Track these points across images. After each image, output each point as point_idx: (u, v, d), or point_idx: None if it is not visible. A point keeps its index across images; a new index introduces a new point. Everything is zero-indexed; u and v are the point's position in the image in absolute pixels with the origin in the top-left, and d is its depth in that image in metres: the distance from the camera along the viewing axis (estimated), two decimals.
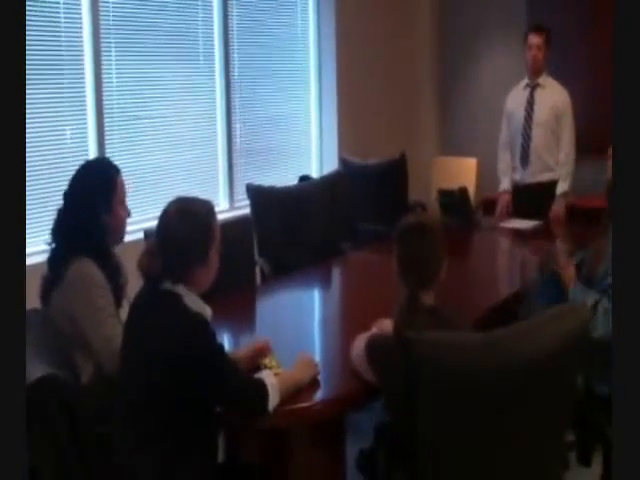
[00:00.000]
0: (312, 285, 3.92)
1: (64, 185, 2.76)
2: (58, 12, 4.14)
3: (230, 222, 4.00)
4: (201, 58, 5.12)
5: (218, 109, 5.25)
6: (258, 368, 2.43)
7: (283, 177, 5.58)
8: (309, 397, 2.36)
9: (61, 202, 2.74)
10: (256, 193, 4.46)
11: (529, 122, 5.12)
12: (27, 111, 3.70)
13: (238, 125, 5.40)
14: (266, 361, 2.48)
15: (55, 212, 2.74)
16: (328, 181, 5.03)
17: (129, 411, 2.23)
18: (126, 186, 2.83)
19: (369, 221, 5.11)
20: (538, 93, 5.13)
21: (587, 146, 5.29)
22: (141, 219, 4.03)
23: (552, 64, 5.22)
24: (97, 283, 2.63)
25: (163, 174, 4.83)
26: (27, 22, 3.76)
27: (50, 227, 2.74)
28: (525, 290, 3.31)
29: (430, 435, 2.03)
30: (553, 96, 5.08)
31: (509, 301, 3.32)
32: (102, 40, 4.37)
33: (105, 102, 4.41)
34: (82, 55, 4.29)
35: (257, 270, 4.14)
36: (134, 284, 2.46)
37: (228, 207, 5.30)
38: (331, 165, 6.03)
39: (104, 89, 4.40)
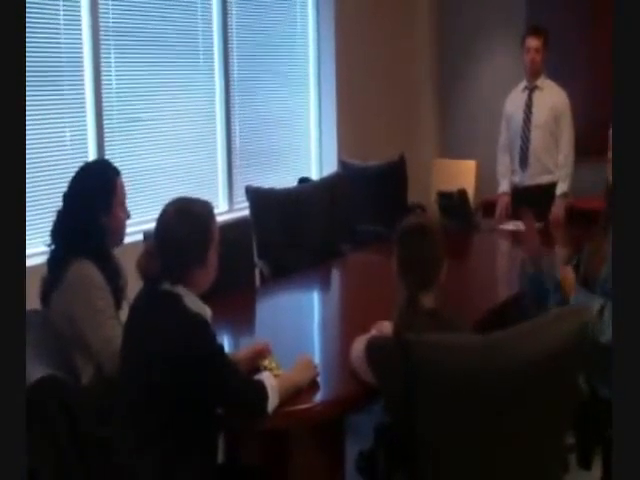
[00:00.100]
0: (312, 287, 3.92)
1: (64, 187, 2.76)
2: (58, 14, 4.14)
3: (229, 224, 4.00)
4: (200, 59, 5.12)
5: (217, 110, 5.26)
6: (258, 370, 2.43)
7: (282, 179, 5.58)
8: (309, 399, 2.36)
9: (61, 204, 2.74)
10: (255, 195, 4.46)
11: (528, 124, 5.13)
12: (27, 113, 3.70)
13: (237, 127, 5.40)
14: (266, 363, 2.48)
15: (55, 214, 2.74)
16: (327, 183, 5.03)
17: (129, 411, 2.23)
18: (125, 188, 2.83)
19: (368, 223, 5.11)
20: (537, 95, 5.13)
21: (586, 148, 5.29)
22: (140, 221, 4.03)
23: (551, 65, 5.23)
24: (97, 285, 2.63)
25: (162, 176, 4.83)
26: (27, 24, 3.75)
27: (50, 229, 2.74)
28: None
29: (430, 436, 2.03)
30: (552, 98, 5.09)
31: (508, 303, 3.32)
32: (101, 42, 4.37)
33: (104, 104, 4.41)
34: (81, 57, 4.29)
35: (256, 272, 4.14)
36: (134, 285, 2.46)
37: (227, 209, 5.30)
38: (330, 167, 6.03)
39: (103, 91, 4.40)
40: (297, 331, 3.10)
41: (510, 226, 4.85)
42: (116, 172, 2.79)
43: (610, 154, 2.94)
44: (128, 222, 2.84)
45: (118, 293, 2.74)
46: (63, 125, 4.22)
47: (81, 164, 2.86)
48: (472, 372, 1.98)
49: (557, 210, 5.02)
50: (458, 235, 4.50)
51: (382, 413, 2.53)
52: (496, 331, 2.06)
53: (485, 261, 4.42)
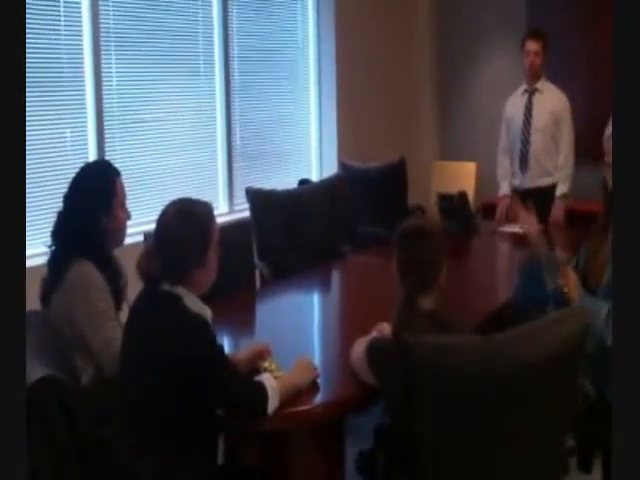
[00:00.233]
0: (312, 288, 3.92)
1: (64, 187, 2.76)
2: (58, 15, 4.15)
3: (230, 225, 4.00)
4: (201, 61, 5.12)
5: (218, 112, 5.26)
6: (257, 371, 2.43)
7: (283, 180, 5.58)
8: (309, 400, 2.36)
9: (61, 204, 2.74)
10: (256, 196, 4.46)
11: (528, 127, 5.13)
12: (27, 114, 3.70)
13: (238, 128, 5.40)
14: (266, 364, 2.48)
15: (55, 214, 2.74)
16: (328, 185, 5.03)
17: (129, 412, 2.23)
18: (126, 189, 2.83)
19: (369, 225, 5.11)
20: (536, 98, 5.14)
21: (586, 150, 5.28)
22: (141, 222, 4.03)
23: (551, 67, 5.23)
24: (97, 286, 2.63)
25: (163, 177, 4.83)
26: (27, 25, 3.76)
27: (50, 229, 2.74)
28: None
29: (430, 437, 2.03)
30: (552, 101, 5.09)
31: (508, 305, 3.32)
32: (102, 43, 4.37)
33: (105, 105, 4.41)
34: (82, 58, 4.30)
35: (257, 273, 4.14)
36: (134, 286, 2.46)
37: (228, 210, 5.31)
38: (331, 169, 6.03)
39: (104, 92, 4.40)
40: (297, 332, 3.10)
41: (510, 228, 4.85)
42: (116, 173, 2.79)
43: (607, 158, 2.95)
44: (128, 223, 2.84)
45: (118, 294, 2.74)
46: (64, 126, 4.23)
47: (81, 165, 2.86)
48: (472, 374, 1.98)
49: (557, 211, 5.02)
50: (458, 237, 4.49)
51: (382, 414, 2.53)
52: (496, 333, 2.06)
53: (485, 263, 4.42)
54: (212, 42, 5.18)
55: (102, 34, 4.37)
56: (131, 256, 2.41)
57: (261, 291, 4.00)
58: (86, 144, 4.34)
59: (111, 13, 4.43)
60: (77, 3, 4.24)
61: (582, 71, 6.21)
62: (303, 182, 5.36)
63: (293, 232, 4.44)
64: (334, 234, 4.68)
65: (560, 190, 5.05)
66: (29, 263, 3.19)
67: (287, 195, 4.67)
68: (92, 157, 4.32)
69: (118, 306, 2.74)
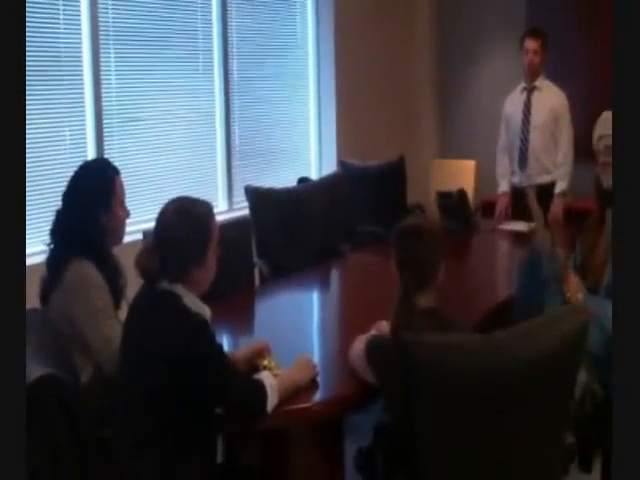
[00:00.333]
0: (311, 287, 3.92)
1: (63, 186, 2.76)
2: (57, 13, 4.14)
3: (229, 223, 3.99)
4: (200, 60, 5.12)
5: (217, 111, 5.25)
6: (257, 369, 2.43)
7: (282, 179, 5.57)
8: (308, 398, 2.36)
9: (60, 203, 2.74)
10: (255, 195, 4.45)
11: (527, 125, 5.14)
12: (27, 112, 3.69)
13: (237, 126, 5.40)
14: (265, 362, 2.47)
15: (54, 213, 2.74)
16: (327, 183, 5.02)
17: (129, 412, 2.23)
18: (125, 187, 2.83)
19: (368, 223, 5.11)
20: (535, 96, 5.14)
21: (585, 149, 5.26)
22: (140, 220, 4.03)
23: (551, 66, 5.23)
24: (96, 285, 2.63)
25: (162, 175, 4.83)
26: (26, 24, 3.75)
27: (49, 228, 2.74)
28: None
29: (429, 435, 2.03)
30: (551, 99, 5.10)
31: (508, 303, 3.31)
32: (101, 41, 4.37)
33: (104, 103, 4.41)
34: (81, 56, 4.29)
35: (256, 272, 4.14)
36: (133, 285, 2.46)
37: (227, 208, 5.30)
38: (330, 167, 6.03)
39: (103, 90, 4.40)
40: (296, 331, 3.10)
41: (509, 226, 4.85)
42: (115, 171, 2.79)
43: (600, 159, 2.96)
44: (127, 221, 2.84)
45: (117, 293, 2.74)
46: (62, 124, 4.22)
47: (80, 163, 2.85)
48: (472, 372, 1.98)
49: (556, 209, 5.02)
50: (457, 235, 4.49)
51: (381, 412, 2.53)
52: (496, 331, 2.06)
53: (484, 261, 4.42)
54: (211, 41, 5.18)
55: (101, 33, 4.36)
56: (130, 255, 2.41)
57: (260, 289, 3.99)
58: (85, 143, 4.34)
59: (110, 11, 4.43)
60: (76, 1, 4.23)
61: (582, 70, 6.20)
62: (302, 180, 5.36)
63: (292, 230, 4.43)
64: (333, 232, 4.68)
65: (559, 187, 5.05)
66: (28, 261, 3.19)
67: (286, 193, 4.66)
68: (91, 155, 4.31)
69: (117, 305, 2.74)
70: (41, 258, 2.82)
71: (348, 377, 2.44)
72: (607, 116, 3.05)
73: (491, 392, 1.99)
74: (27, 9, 3.84)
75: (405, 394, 2.01)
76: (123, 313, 2.53)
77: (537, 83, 5.13)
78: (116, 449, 2.23)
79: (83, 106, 4.32)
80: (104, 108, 4.41)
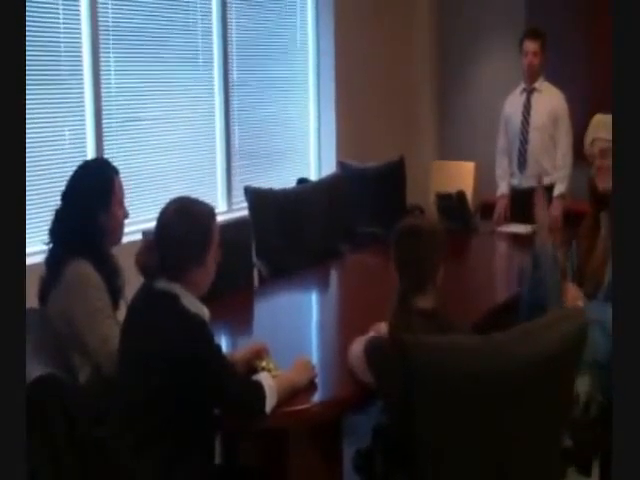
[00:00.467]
0: (310, 288, 3.92)
1: (62, 186, 2.75)
2: (57, 14, 4.14)
3: (228, 224, 3.99)
4: (200, 60, 5.11)
5: (216, 111, 5.25)
6: (255, 370, 2.43)
7: (281, 180, 5.57)
8: (307, 399, 2.36)
9: (59, 202, 2.74)
10: (254, 195, 4.45)
11: (526, 127, 5.13)
12: (26, 112, 3.69)
13: (236, 127, 5.40)
14: (263, 363, 2.47)
15: (53, 212, 2.74)
16: (326, 184, 5.02)
17: (127, 412, 2.23)
18: (124, 187, 2.82)
19: (367, 224, 5.11)
20: (535, 98, 5.14)
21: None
22: (139, 220, 4.02)
23: (550, 67, 5.23)
24: (94, 285, 2.62)
25: (161, 176, 4.83)
26: (26, 24, 3.75)
27: (48, 227, 2.74)
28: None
29: (428, 437, 2.03)
30: (550, 100, 5.09)
31: (507, 304, 3.32)
32: (101, 42, 4.36)
33: (104, 103, 4.41)
34: (81, 56, 4.29)
35: (255, 272, 4.13)
36: (132, 285, 2.45)
37: (226, 209, 5.30)
38: (329, 168, 6.02)
39: (103, 90, 4.40)
40: (295, 332, 3.10)
41: (509, 228, 4.85)
42: (115, 171, 2.79)
43: (596, 162, 2.95)
44: (127, 222, 2.84)
45: (116, 293, 2.74)
46: (62, 124, 4.22)
47: (80, 163, 2.85)
48: (471, 373, 1.98)
49: (555, 211, 5.00)
50: (457, 236, 4.49)
51: (380, 413, 2.53)
52: (495, 332, 2.06)
53: (484, 263, 4.42)
54: (211, 40, 5.17)
55: (101, 33, 4.36)
56: (129, 255, 2.41)
57: (259, 290, 3.99)
58: (85, 143, 4.33)
59: (110, 12, 4.43)
60: (76, 2, 4.23)
61: (581, 71, 6.20)
62: (301, 181, 5.35)
63: (291, 231, 4.43)
64: (333, 233, 4.67)
65: (558, 190, 5.04)
66: (27, 261, 3.19)
67: (285, 194, 4.66)
68: (90, 155, 4.31)
69: (115, 305, 2.73)
70: (40, 258, 2.82)
71: (347, 378, 2.44)
72: (599, 119, 3.05)
73: (491, 393, 1.99)
74: (27, 9, 3.84)
75: (404, 395, 2.01)
76: (121, 313, 2.53)
77: (537, 85, 5.13)
78: (114, 449, 2.23)
79: (83, 106, 4.32)
80: (104, 108, 4.41)
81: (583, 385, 2.66)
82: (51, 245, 2.72)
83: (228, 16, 5.25)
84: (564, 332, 2.09)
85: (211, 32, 5.17)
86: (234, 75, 5.34)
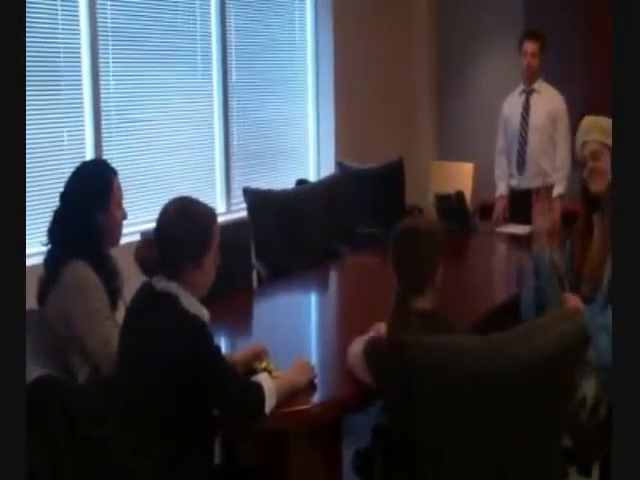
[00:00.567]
0: (309, 288, 3.92)
1: (61, 187, 2.75)
2: (56, 15, 4.14)
3: (227, 225, 3.98)
4: (199, 61, 5.11)
5: (215, 112, 5.25)
6: (254, 371, 2.43)
7: (280, 181, 5.57)
8: (306, 400, 2.36)
9: (57, 203, 2.74)
10: (253, 196, 4.45)
11: (525, 128, 5.14)
12: (26, 113, 3.69)
13: (235, 128, 5.40)
14: (263, 364, 2.47)
15: (52, 213, 2.74)
16: (325, 185, 5.02)
17: (127, 412, 2.23)
18: (122, 188, 2.82)
19: (366, 225, 5.10)
20: (534, 99, 5.14)
21: None
22: (137, 221, 4.02)
23: (549, 68, 5.23)
24: (93, 286, 2.62)
25: (160, 177, 4.83)
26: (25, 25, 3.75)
27: (47, 228, 2.74)
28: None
29: (428, 437, 2.03)
30: (549, 101, 5.10)
31: (507, 305, 3.32)
32: (100, 43, 4.36)
33: (102, 105, 4.40)
34: (80, 58, 4.29)
35: (254, 273, 4.13)
36: (131, 286, 2.45)
37: (225, 210, 5.30)
38: (328, 169, 6.02)
39: (101, 92, 4.40)
40: (294, 332, 3.10)
41: (507, 229, 4.85)
42: (113, 172, 2.79)
43: (588, 164, 2.96)
44: (125, 222, 2.84)
45: (114, 294, 2.74)
46: (61, 126, 4.22)
47: (78, 164, 2.85)
48: (471, 373, 1.98)
49: (554, 212, 5.01)
50: (456, 237, 4.49)
51: (379, 414, 2.53)
52: (494, 333, 2.06)
53: (482, 263, 4.42)
54: (210, 41, 5.17)
55: (100, 34, 4.36)
56: (127, 256, 2.41)
57: (259, 291, 3.99)
58: (83, 144, 4.33)
59: (109, 13, 4.43)
60: (75, 3, 4.23)
61: (580, 72, 6.20)
62: (300, 182, 5.35)
63: (291, 232, 4.43)
64: (332, 234, 4.67)
65: (557, 191, 5.04)
66: (27, 262, 3.19)
67: (285, 195, 4.66)
68: (89, 156, 4.31)
69: (114, 306, 2.73)
70: (39, 259, 2.82)
71: (346, 379, 2.44)
72: (589, 121, 3.05)
73: (490, 393, 1.99)
74: (26, 11, 3.84)
75: (403, 395, 2.01)
76: (120, 314, 2.53)
77: (536, 86, 5.13)
78: (114, 450, 2.23)
79: (82, 108, 4.32)
80: (102, 109, 4.41)
81: (590, 388, 2.66)
82: (50, 246, 2.72)
83: (227, 17, 5.25)
84: (563, 332, 2.09)
85: (210, 33, 5.17)
86: (233, 76, 5.34)
